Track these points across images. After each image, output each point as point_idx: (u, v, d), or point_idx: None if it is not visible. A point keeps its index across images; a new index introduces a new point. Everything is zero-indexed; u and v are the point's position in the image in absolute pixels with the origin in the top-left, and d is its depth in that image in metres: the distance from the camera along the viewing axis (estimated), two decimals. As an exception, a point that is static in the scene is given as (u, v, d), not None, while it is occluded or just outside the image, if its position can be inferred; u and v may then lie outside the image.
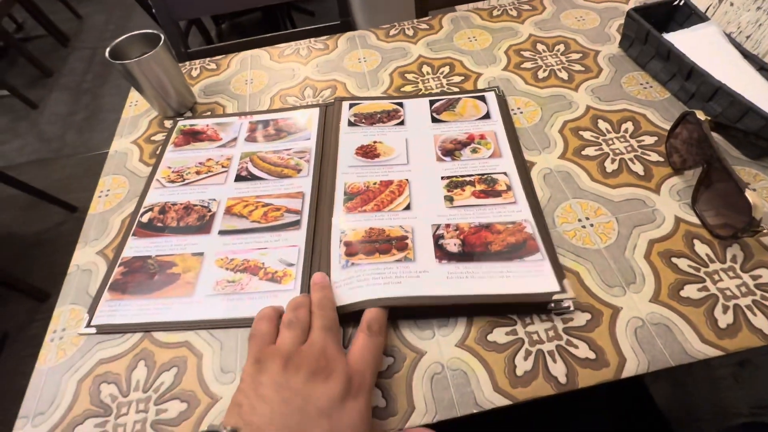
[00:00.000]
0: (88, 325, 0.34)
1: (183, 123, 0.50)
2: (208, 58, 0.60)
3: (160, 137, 0.50)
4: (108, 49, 0.46)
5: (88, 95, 1.98)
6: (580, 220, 0.37)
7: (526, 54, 0.53)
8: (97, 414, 0.30)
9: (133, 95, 0.56)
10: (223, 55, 0.60)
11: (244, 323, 0.33)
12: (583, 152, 0.42)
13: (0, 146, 1.79)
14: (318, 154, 0.44)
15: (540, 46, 0.54)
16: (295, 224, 0.39)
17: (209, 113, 0.52)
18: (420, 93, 0.50)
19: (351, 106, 0.48)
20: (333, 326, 0.30)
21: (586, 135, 0.44)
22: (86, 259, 0.39)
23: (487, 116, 0.46)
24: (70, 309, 0.36)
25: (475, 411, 0.28)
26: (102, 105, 1.92)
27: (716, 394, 0.68)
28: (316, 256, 0.36)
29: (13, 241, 1.29)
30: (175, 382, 0.31)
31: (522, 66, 0.52)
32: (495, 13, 0.60)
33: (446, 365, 0.30)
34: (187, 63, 0.59)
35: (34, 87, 2.04)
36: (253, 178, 0.43)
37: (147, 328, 0.34)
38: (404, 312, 0.33)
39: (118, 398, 0.31)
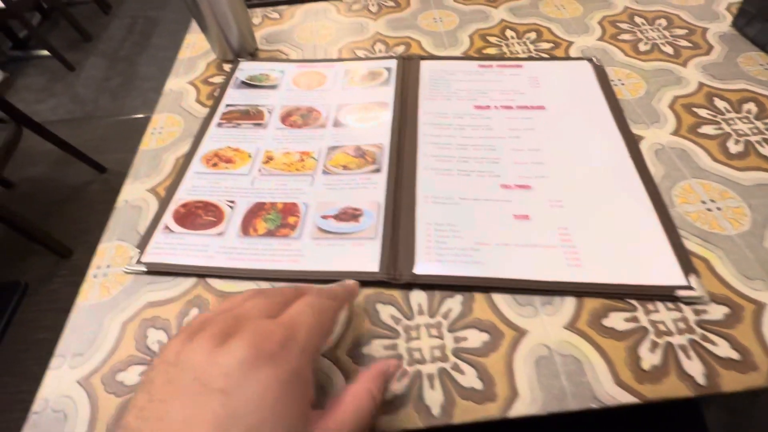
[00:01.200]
0: (138, 262, 0.31)
1: (244, 68, 0.46)
2: (271, 7, 0.56)
3: (218, 80, 0.46)
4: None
5: (125, 62, 1.98)
6: (704, 202, 0.32)
7: (623, 26, 0.48)
8: (143, 361, 0.26)
9: (190, 37, 0.52)
10: (287, 5, 0.56)
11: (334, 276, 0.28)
12: (700, 130, 0.37)
13: (35, 105, 1.81)
14: (396, 108, 0.40)
15: (638, 19, 0.49)
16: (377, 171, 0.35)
17: (271, 59, 0.48)
18: (505, 56, 0.45)
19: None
20: (321, 310, 0.21)
21: (702, 113, 0.38)
22: (136, 195, 0.36)
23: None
24: (116, 245, 0.32)
25: (594, 406, 0.23)
26: (137, 72, 1.92)
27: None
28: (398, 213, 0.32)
29: (40, 196, 1.28)
30: (233, 335, 0.27)
31: (619, 38, 0.47)
32: (584, -17, 0.55)
33: (554, 349, 0.26)
34: (248, 11, 0.56)
35: (73, 50, 2.05)
36: (338, 124, 0.39)
37: (205, 273, 0.30)
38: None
39: (167, 346, 0.27)
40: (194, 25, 0.54)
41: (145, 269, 0.30)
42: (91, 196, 1.26)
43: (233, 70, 0.46)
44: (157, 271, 0.30)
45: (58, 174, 1.33)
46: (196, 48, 0.50)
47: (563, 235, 0.30)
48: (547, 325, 0.26)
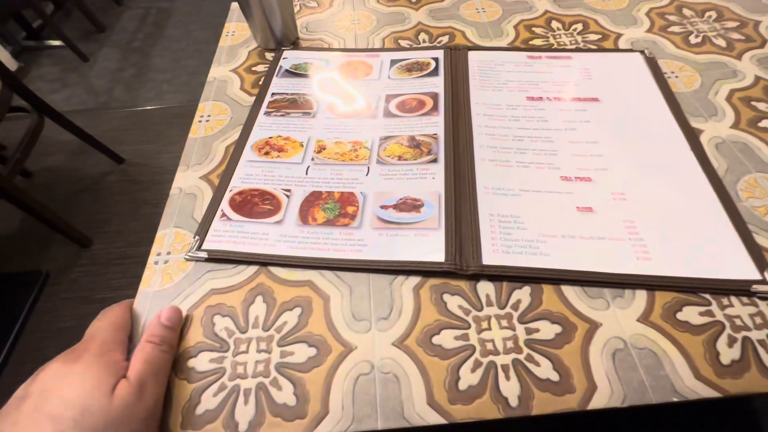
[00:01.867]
0: (199, 249, 0.30)
1: (288, 57, 0.46)
2: (308, -3, 0.55)
3: (261, 68, 0.46)
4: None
5: (138, 53, 1.98)
6: (771, 197, 0.31)
7: (672, 18, 0.47)
8: (212, 348, 0.26)
9: (229, 25, 0.52)
10: (324, -5, 0.55)
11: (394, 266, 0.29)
12: (760, 124, 0.36)
13: (50, 95, 1.81)
14: (448, 98, 0.39)
15: (686, 11, 0.48)
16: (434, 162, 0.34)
17: (313, 48, 0.47)
18: (552, 47, 0.45)
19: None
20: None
21: (761, 106, 0.37)
22: (189, 183, 0.35)
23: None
24: (175, 232, 0.32)
25: (675, 400, 0.23)
26: (151, 64, 1.91)
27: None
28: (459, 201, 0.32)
29: (58, 186, 1.28)
30: (300, 323, 0.27)
31: (669, 30, 0.46)
32: (627, -26, 0.54)
33: (629, 342, 0.25)
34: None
35: (86, 41, 2.05)
36: (389, 114, 0.39)
37: (268, 261, 0.30)
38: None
39: (236, 333, 0.27)
40: (232, 14, 0.53)
41: (207, 256, 0.30)
42: (109, 187, 1.26)
43: (277, 59, 0.45)
44: (219, 258, 0.30)
45: (76, 164, 1.34)
46: (236, 36, 0.50)
47: (629, 228, 0.30)
48: (620, 318, 0.26)
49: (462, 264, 0.28)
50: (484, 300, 0.27)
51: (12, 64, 1.88)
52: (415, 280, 0.29)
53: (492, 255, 0.29)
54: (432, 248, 0.29)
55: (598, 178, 0.33)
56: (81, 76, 1.89)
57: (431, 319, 0.27)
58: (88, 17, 2.08)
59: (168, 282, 0.30)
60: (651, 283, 0.27)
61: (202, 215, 0.33)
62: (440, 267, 0.28)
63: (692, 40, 0.44)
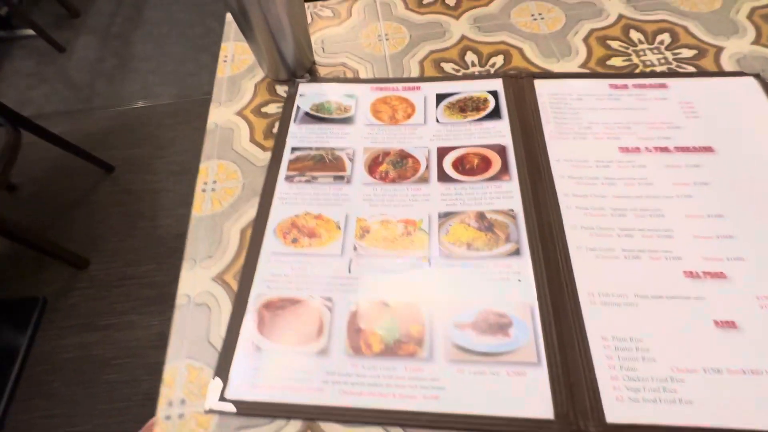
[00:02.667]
0: (222, 398, 0.23)
1: (305, 93, 0.36)
2: (320, 2, 0.45)
3: (273, 108, 0.36)
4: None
5: (118, 40, 1.82)
6: None
7: (782, 22, 0.38)
8: None
9: (228, 47, 0.42)
10: (339, 0, 0.45)
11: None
12: None
13: (28, 92, 1.68)
14: (520, 154, 0.31)
15: (799, 12, 0.38)
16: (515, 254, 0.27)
17: (335, 78, 0.38)
18: (638, 70, 0.36)
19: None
20: None
21: None
22: (199, 288, 0.28)
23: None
24: (187, 365, 0.25)
25: None
26: (133, 53, 1.76)
27: None
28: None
29: (46, 199, 1.19)
30: None
31: (781, 39, 0.37)
32: (714, -40, 0.43)
33: None
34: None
35: (60, 28, 1.89)
36: (445, 178, 0.31)
37: (315, 415, 0.23)
38: None
39: None
40: (229, 29, 0.43)
41: (234, 410, 0.23)
42: (101, 199, 1.18)
43: (291, 97, 0.36)
44: (251, 412, 0.23)
45: (63, 174, 1.24)
46: (236, 63, 0.40)
47: None
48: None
49: (578, 422, 0.21)
50: (611, 472, 0.21)
51: (-18, 59, 1.73)
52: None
53: (615, 405, 0.21)
54: (533, 397, 0.22)
55: (734, 273, 0.25)
56: (59, 69, 1.75)
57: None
58: (59, 1, 1.90)
59: (186, 449, 0.23)
60: None
61: (220, 336, 0.26)
62: (549, 427, 0.21)
63: (814, 54, 0.35)
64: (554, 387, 0.22)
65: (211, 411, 0.23)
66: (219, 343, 0.26)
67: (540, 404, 0.22)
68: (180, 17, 1.89)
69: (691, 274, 0.25)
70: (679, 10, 0.40)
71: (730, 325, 0.23)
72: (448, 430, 0.22)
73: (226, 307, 0.27)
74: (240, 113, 0.37)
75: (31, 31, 1.78)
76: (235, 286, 0.27)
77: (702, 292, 0.25)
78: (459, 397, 0.22)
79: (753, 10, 0.39)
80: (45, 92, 1.66)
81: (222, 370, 0.24)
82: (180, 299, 0.27)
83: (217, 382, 0.24)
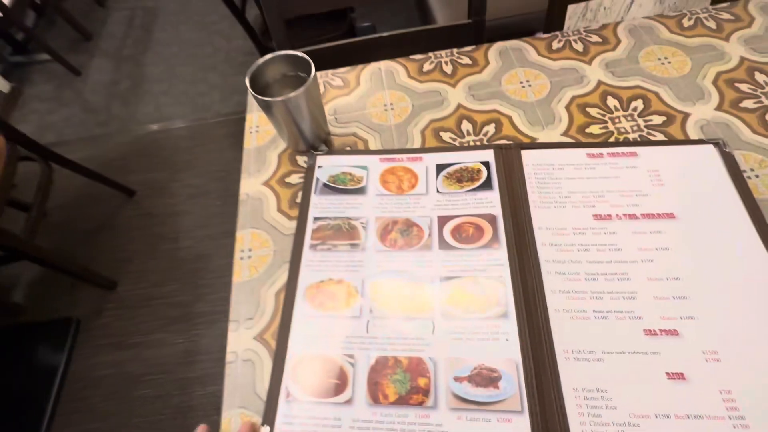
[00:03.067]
0: None
1: (322, 165, 0.42)
2: (331, 71, 0.50)
3: (295, 179, 0.42)
4: (248, 76, 0.38)
5: (130, 63, 1.89)
6: None
7: (743, 87, 0.42)
8: None
9: (251, 118, 0.48)
10: (348, 68, 0.50)
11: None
12: None
13: (48, 116, 1.76)
14: (508, 224, 0.36)
15: (760, 77, 0.43)
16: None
17: (348, 149, 0.44)
18: (612, 139, 0.41)
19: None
20: None
21: None
22: (243, 345, 0.34)
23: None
24: (239, 414, 0.31)
25: None
26: (145, 75, 1.83)
27: None
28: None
29: (73, 225, 1.27)
30: None
31: (741, 105, 0.41)
32: (686, 23, 0.48)
33: None
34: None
35: (75, 51, 1.96)
36: (445, 245, 0.36)
37: None
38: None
39: None
40: (251, 100, 0.49)
41: None
42: (125, 223, 1.25)
43: (311, 167, 0.42)
44: None
45: (88, 200, 1.31)
46: (261, 134, 0.46)
47: (728, 401, 0.28)
48: None
49: None
50: (579, 501, 0.26)
51: (5, 86, 1.82)
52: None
53: None
54: None
55: (685, 331, 0.30)
56: (76, 92, 1.82)
57: None
58: (72, 24, 1.97)
59: (244, 483, 0.29)
60: None
61: (264, 388, 0.32)
62: None
63: (770, 119, 0.40)
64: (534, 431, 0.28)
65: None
66: (263, 394, 0.31)
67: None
68: (189, 37, 1.96)
69: (649, 332, 0.30)
70: (652, 76, 0.44)
71: (680, 376, 0.29)
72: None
73: (267, 363, 0.33)
74: (267, 183, 0.42)
75: (46, 56, 1.86)
76: (273, 344, 0.33)
77: (657, 347, 0.30)
78: (459, 440, 0.28)
79: (718, 75, 0.43)
80: (64, 116, 1.74)
81: (268, 418, 0.30)
82: (229, 357, 0.33)
83: (266, 429, 0.30)
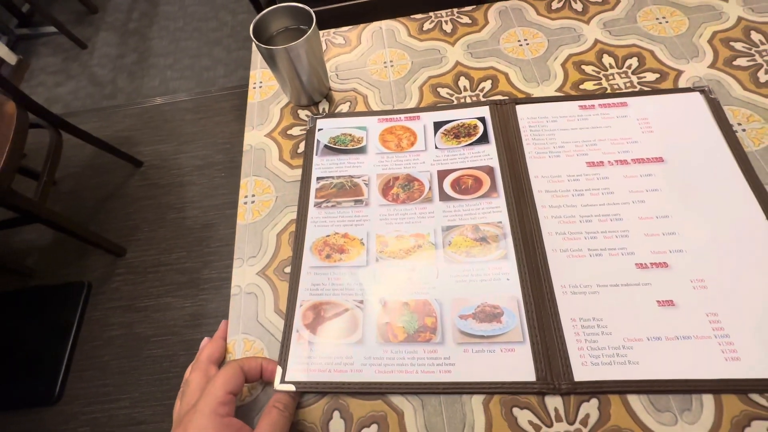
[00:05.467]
0: (283, 381, 0.31)
1: (323, 127, 0.43)
2: (333, 30, 0.51)
3: (297, 131, 0.44)
4: (252, 25, 0.39)
5: (136, 36, 1.89)
6: None
7: (738, 46, 0.43)
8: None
9: (256, 74, 0.49)
10: (350, 27, 0.51)
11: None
12: (835, 192, 0.34)
13: (55, 89, 1.77)
14: (505, 174, 0.38)
15: (756, 36, 0.43)
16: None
17: (348, 104, 0.45)
18: (606, 93, 0.42)
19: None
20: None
21: (837, 168, 0.35)
22: (247, 280, 0.36)
23: None
24: (243, 339, 0.34)
25: None
26: (151, 48, 1.83)
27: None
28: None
29: (85, 193, 1.30)
30: (379, 441, 0.29)
31: (735, 63, 0.42)
32: (686, -17, 0.48)
33: (697, 460, 0.27)
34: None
35: (81, 24, 1.96)
36: (445, 197, 0.37)
37: (359, 389, 0.30)
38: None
39: (320, 454, 0.29)
40: (256, 58, 0.50)
41: (294, 389, 0.30)
42: (132, 192, 1.28)
43: (312, 130, 0.43)
44: (306, 390, 0.30)
45: (97, 169, 1.34)
46: (264, 89, 0.48)
47: (714, 323, 0.29)
48: (688, 434, 0.27)
49: (554, 382, 0.29)
50: (553, 415, 0.29)
51: (11, 58, 1.83)
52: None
53: (581, 369, 0.29)
54: (520, 366, 0.29)
55: (675, 263, 0.32)
56: (82, 65, 1.83)
57: (502, 434, 0.28)
58: (77, -3, 1.97)
59: (247, 396, 0.31)
60: (740, 388, 0.27)
61: (266, 317, 0.34)
62: (532, 387, 0.29)
63: (762, 77, 0.41)
64: (536, 358, 0.30)
65: (276, 390, 0.31)
66: (266, 323, 0.34)
67: (525, 371, 0.29)
68: (194, 11, 1.95)
69: (641, 265, 0.32)
70: (649, 35, 0.45)
71: (669, 303, 0.30)
72: (459, 395, 0.30)
73: (269, 295, 0.35)
74: (269, 135, 0.44)
75: (52, 28, 1.86)
76: (275, 279, 0.36)
77: (649, 279, 0.31)
78: (466, 370, 0.30)
79: (714, 34, 0.44)
80: (71, 89, 1.76)
81: (282, 359, 0.32)
82: (234, 290, 0.36)
83: (279, 370, 0.31)
